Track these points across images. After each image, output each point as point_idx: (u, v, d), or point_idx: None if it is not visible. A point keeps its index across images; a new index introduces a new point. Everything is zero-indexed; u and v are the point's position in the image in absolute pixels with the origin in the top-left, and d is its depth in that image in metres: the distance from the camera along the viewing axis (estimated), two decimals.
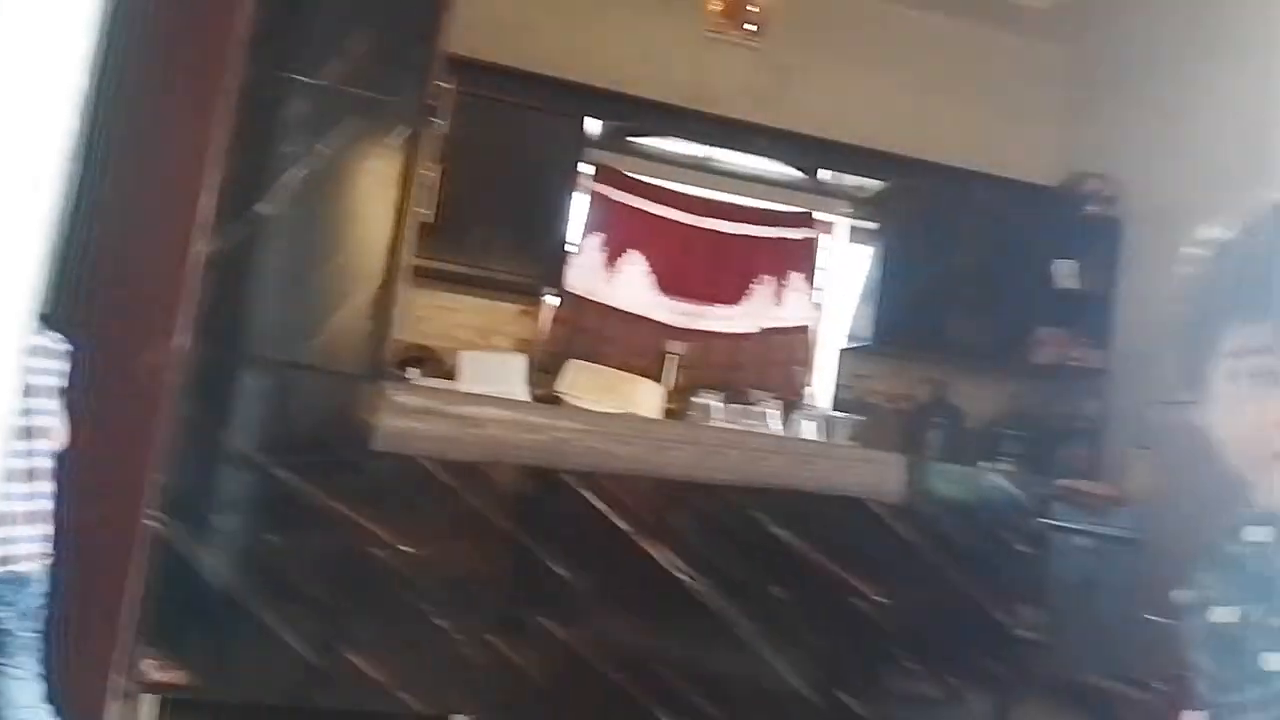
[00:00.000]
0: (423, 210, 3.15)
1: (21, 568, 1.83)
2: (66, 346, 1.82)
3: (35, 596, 1.85)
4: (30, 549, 1.85)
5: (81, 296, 2.11)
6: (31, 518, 1.86)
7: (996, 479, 2.99)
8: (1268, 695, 0.82)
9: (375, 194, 2.71)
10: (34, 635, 1.86)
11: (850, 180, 5.29)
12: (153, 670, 2.34)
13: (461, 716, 2.56)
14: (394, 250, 2.67)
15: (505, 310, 4.92)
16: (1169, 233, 4.58)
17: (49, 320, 1.92)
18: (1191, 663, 0.89)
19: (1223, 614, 0.89)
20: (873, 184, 5.19)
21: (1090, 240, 4.97)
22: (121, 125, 2.31)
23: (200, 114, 2.39)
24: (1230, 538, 0.87)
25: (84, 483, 2.05)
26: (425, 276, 4.53)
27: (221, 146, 2.40)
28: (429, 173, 3.23)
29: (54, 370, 1.84)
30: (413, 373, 3.48)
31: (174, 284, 2.33)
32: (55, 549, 2.07)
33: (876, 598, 2.77)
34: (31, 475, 1.86)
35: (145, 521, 2.21)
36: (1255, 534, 0.87)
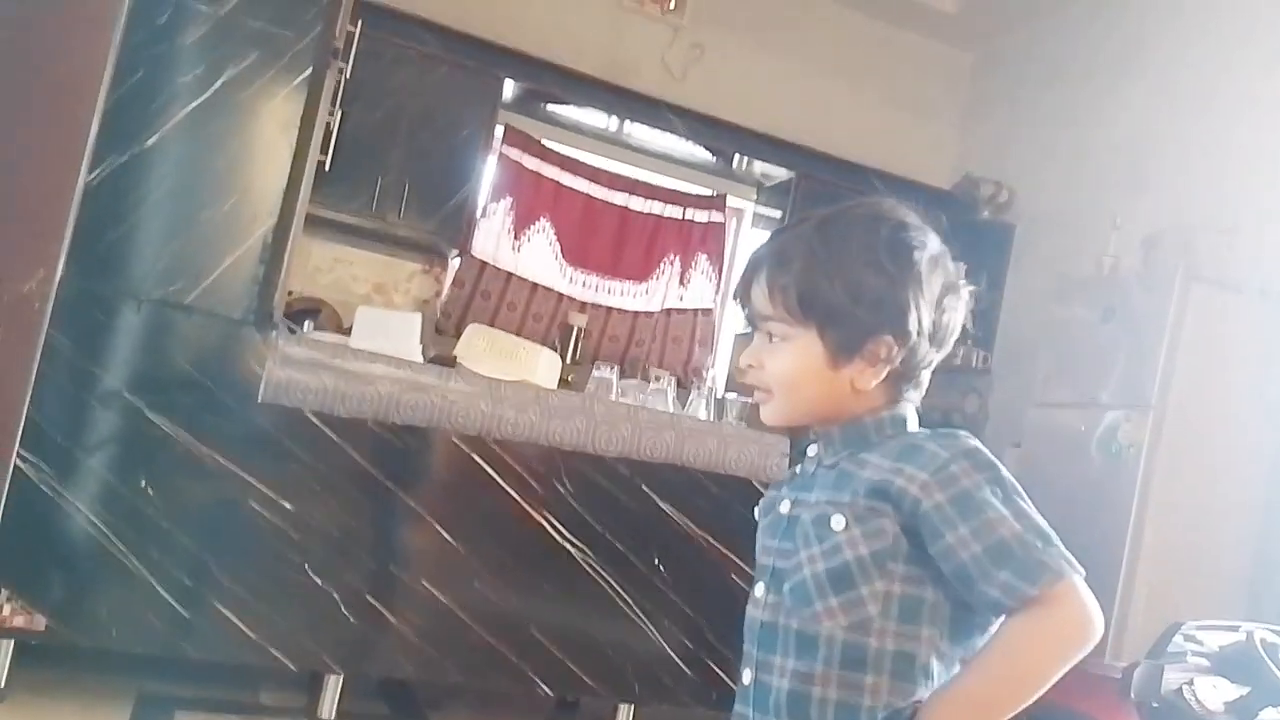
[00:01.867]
0: (322, 156, 3.05)
1: None
2: None
3: None
4: None
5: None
6: None
7: None
8: None
9: (273, 134, 2.61)
10: None
11: (759, 167, 5.36)
12: (10, 613, 2.22)
13: (335, 676, 2.52)
14: (290, 195, 2.57)
15: (405, 268, 4.83)
16: (1055, 239, 4.80)
17: None
18: None
19: None
20: (778, 172, 5.27)
21: (982, 243, 5.16)
22: (7, 44, 2.16)
23: (89, 35, 2.26)
24: None
25: None
26: (324, 227, 4.41)
27: (109, 71, 2.27)
28: (330, 117, 3.13)
29: None
30: (305, 326, 3.37)
31: (53, 212, 2.20)
32: None
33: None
34: None
35: (11, 459, 2.10)
36: None
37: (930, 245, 1.08)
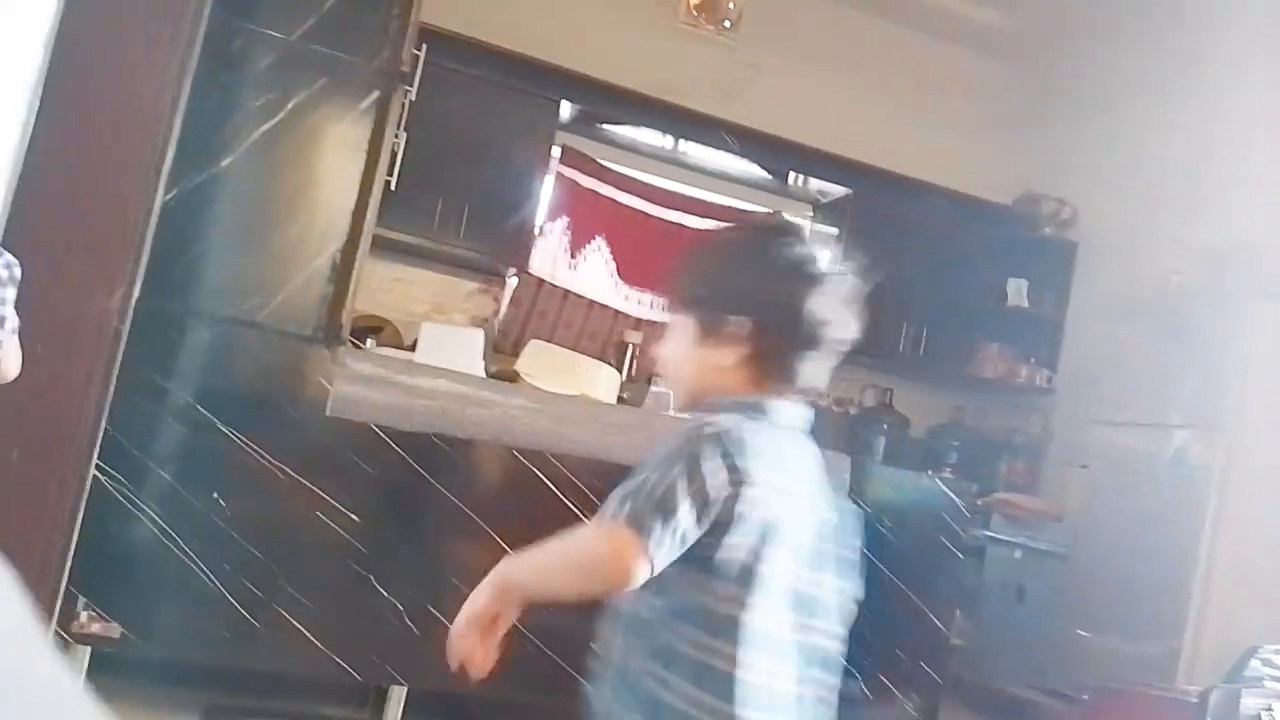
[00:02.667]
0: (388, 178, 3.12)
1: None
2: (15, 272, 1.71)
3: None
4: None
5: (38, 238, 2.05)
6: None
7: (935, 486, 3.05)
8: None
9: (341, 157, 2.68)
10: None
11: (814, 184, 5.34)
12: (87, 621, 2.29)
13: (399, 688, 2.55)
14: (358, 215, 2.63)
15: (463, 287, 4.89)
16: (1119, 257, 4.71)
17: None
18: None
19: None
20: (835, 189, 5.24)
21: (1043, 261, 5.09)
22: (88, 68, 2.26)
23: (167, 62, 2.34)
24: None
25: (29, 428, 2.00)
26: (384, 247, 4.49)
27: (185, 95, 2.35)
28: (396, 140, 3.20)
29: (2, 299, 1.72)
30: (367, 343, 3.44)
31: (131, 233, 2.28)
32: None
33: None
34: None
35: (89, 470, 2.17)
36: None
37: (798, 251, 1.23)
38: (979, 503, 4.05)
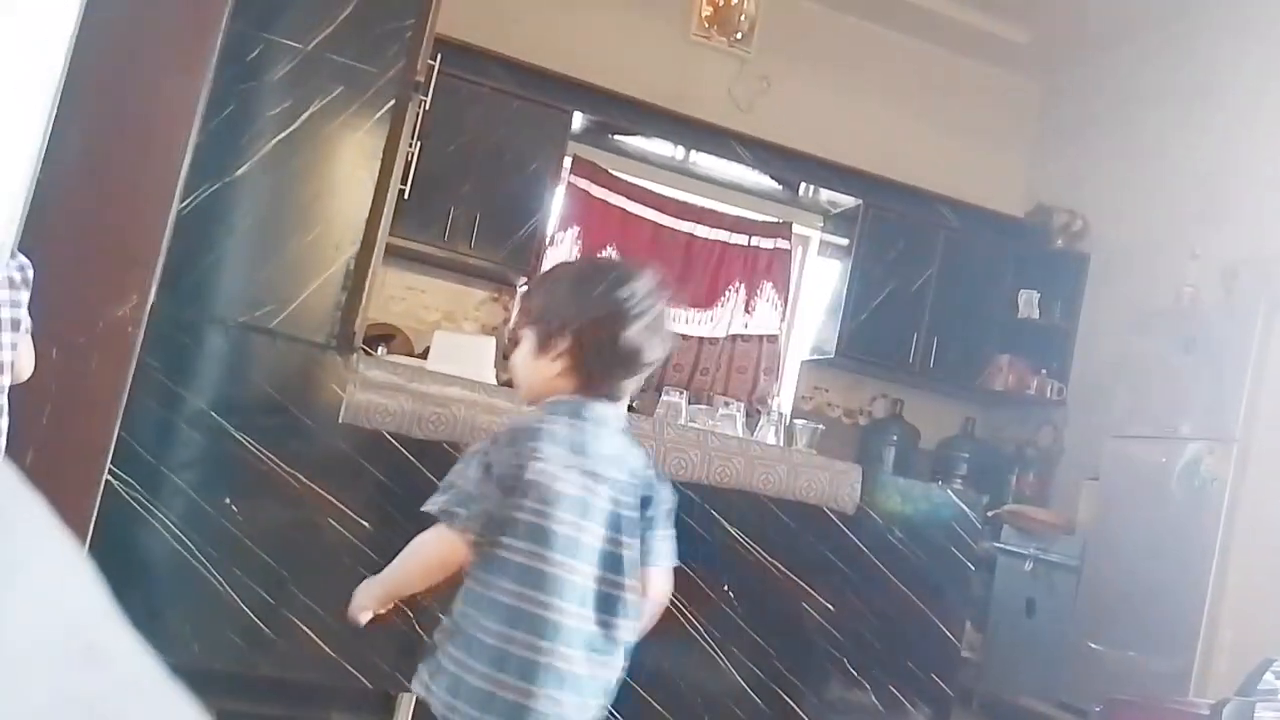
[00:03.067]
0: (402, 187, 3.14)
1: None
2: (29, 274, 1.72)
3: None
4: None
5: (54, 245, 2.07)
6: None
7: (947, 496, 3.04)
8: None
9: (356, 166, 2.69)
10: None
11: (824, 195, 5.36)
12: None
13: (408, 695, 2.55)
14: (372, 224, 2.65)
15: (474, 295, 4.91)
16: (1132, 269, 4.70)
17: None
18: None
19: None
20: (845, 200, 5.26)
21: (1055, 272, 5.08)
22: (106, 77, 2.28)
23: (184, 70, 2.36)
24: None
25: (43, 433, 2.02)
26: (397, 255, 4.51)
27: (202, 104, 2.37)
28: (410, 149, 3.22)
29: (17, 301, 1.73)
30: (379, 350, 3.45)
31: (146, 241, 2.30)
32: None
33: (825, 604, 2.80)
34: None
35: (103, 475, 2.18)
36: None
37: (620, 287, 1.42)
38: (990, 514, 4.04)
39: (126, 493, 2.36)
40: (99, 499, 2.25)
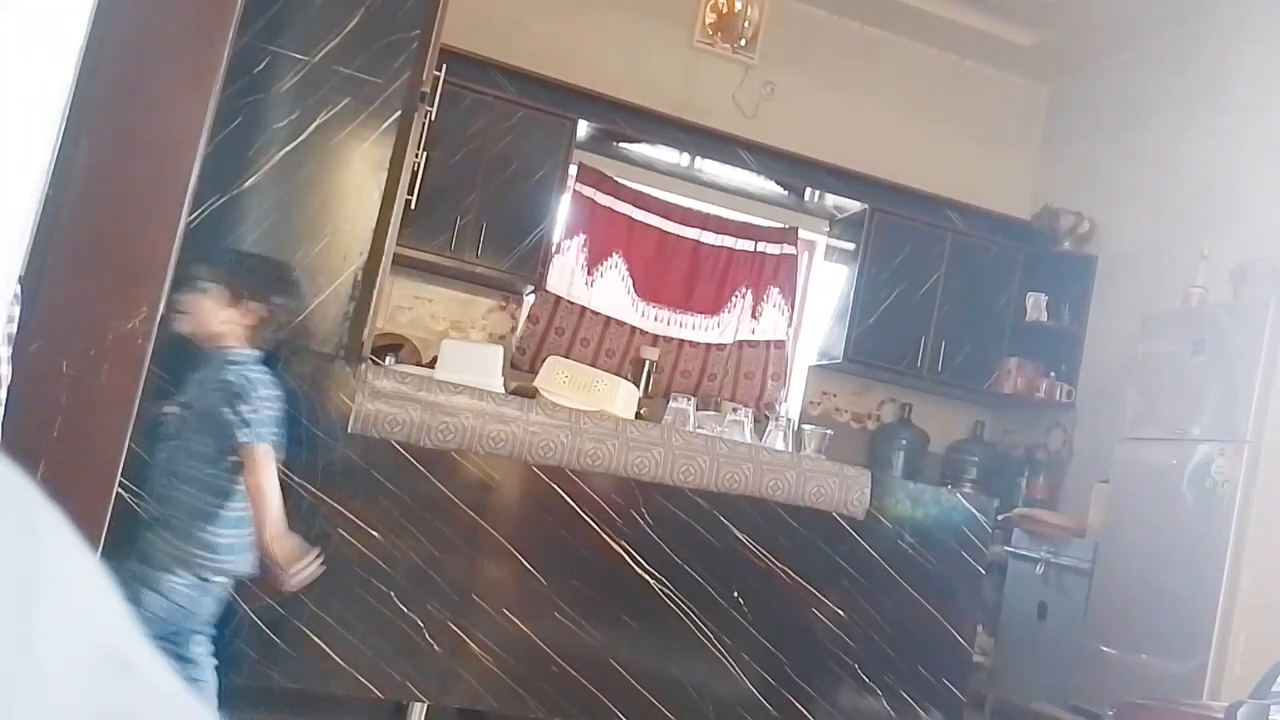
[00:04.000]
0: (408, 197, 3.15)
1: None
2: (16, 288, 1.79)
3: None
4: None
5: (62, 259, 2.08)
6: None
7: (957, 501, 3.03)
8: None
9: (363, 176, 2.70)
10: None
11: (830, 200, 5.36)
12: None
13: (420, 704, 2.55)
14: (379, 234, 2.66)
15: (481, 304, 4.92)
16: (1140, 271, 4.69)
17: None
18: None
19: None
20: (851, 205, 5.26)
21: (1063, 275, 5.07)
22: (114, 91, 2.29)
23: (192, 84, 2.38)
24: None
25: (54, 446, 2.03)
26: (404, 265, 4.53)
27: (210, 117, 2.38)
28: (416, 159, 3.22)
29: (12, 316, 1.80)
30: (387, 360, 3.46)
31: (155, 252, 2.31)
32: None
33: (835, 609, 2.80)
34: None
35: (114, 488, 2.19)
36: None
37: (290, 276, 2.22)
38: (1000, 518, 4.03)
39: (138, 505, 2.37)
40: (110, 511, 2.26)
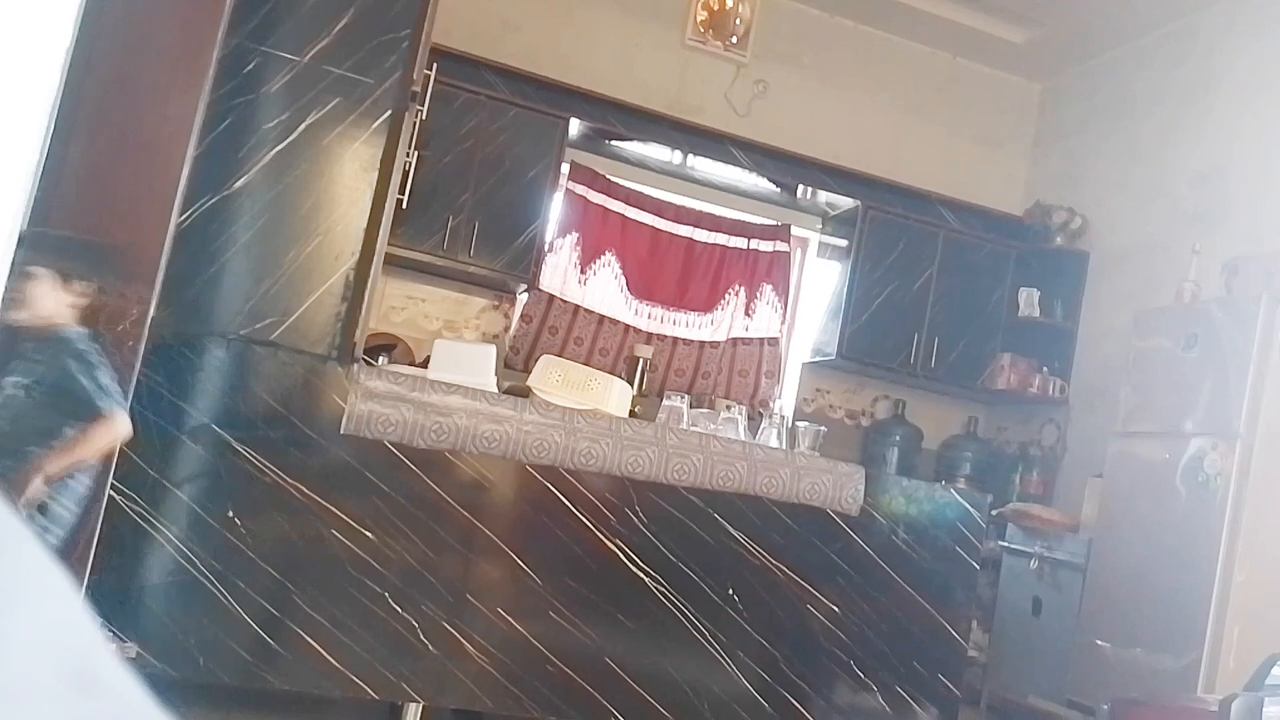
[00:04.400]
0: (400, 197, 3.14)
1: None
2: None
3: None
4: None
5: (54, 261, 2.07)
6: None
7: (952, 497, 3.03)
8: None
9: (354, 176, 2.70)
10: None
11: (823, 197, 5.36)
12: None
13: (415, 704, 2.55)
14: (371, 234, 2.65)
15: (474, 304, 4.92)
16: (1132, 267, 4.70)
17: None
18: None
19: None
20: (844, 202, 5.26)
21: (1055, 271, 5.08)
22: (103, 92, 2.28)
23: (181, 84, 2.37)
24: None
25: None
26: (397, 265, 4.52)
27: (199, 117, 2.37)
28: (407, 159, 3.22)
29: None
30: (380, 360, 3.45)
31: (146, 255, 2.30)
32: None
33: (830, 606, 2.80)
34: None
35: (105, 490, 2.18)
36: None
37: (102, 253, 2.24)
38: (994, 514, 4.03)
39: (129, 507, 2.36)
40: (102, 515, 2.25)
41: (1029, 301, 5.05)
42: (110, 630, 2.33)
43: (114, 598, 2.34)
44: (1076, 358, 4.96)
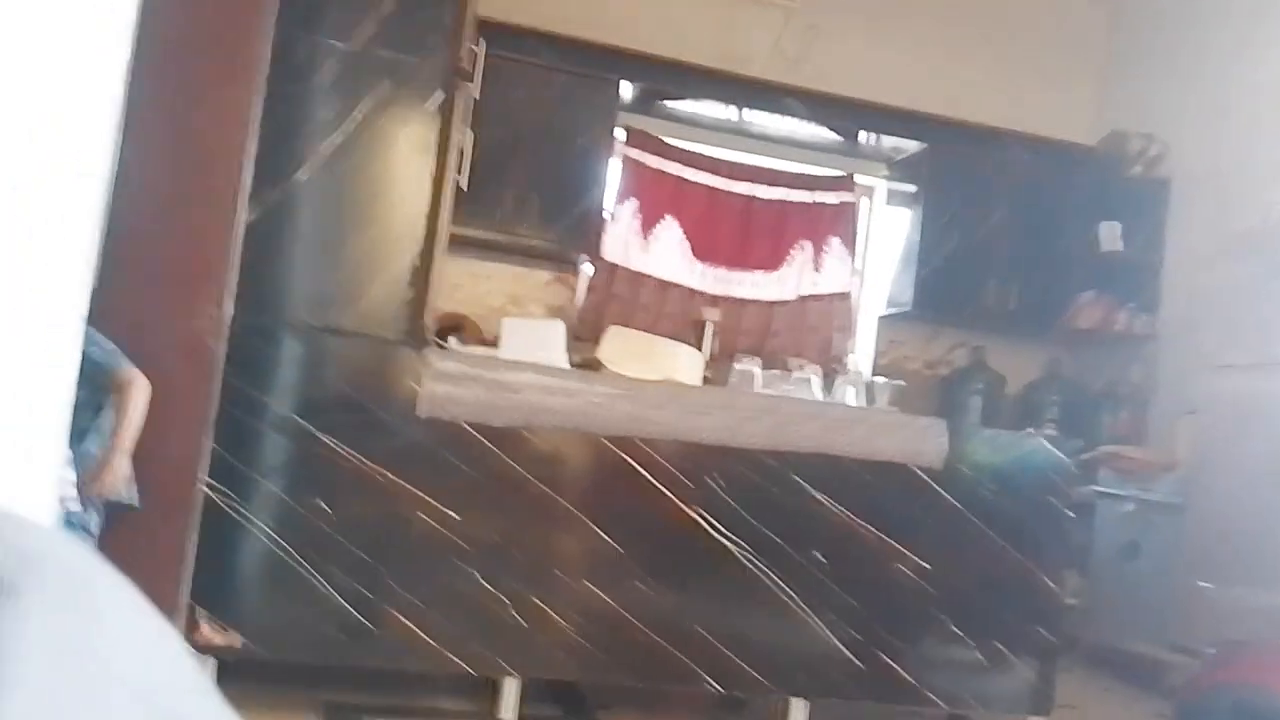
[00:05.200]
0: (458, 176, 3.14)
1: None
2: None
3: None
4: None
5: (131, 268, 2.12)
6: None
7: (1039, 444, 2.95)
8: None
9: (412, 160, 2.70)
10: None
11: (887, 142, 5.21)
12: (209, 633, 2.37)
13: (511, 679, 2.58)
14: (433, 217, 2.65)
15: (538, 278, 4.92)
16: (1216, 192, 4.48)
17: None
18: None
19: None
20: (909, 145, 5.11)
21: (1135, 202, 4.88)
22: (162, 98, 2.31)
23: (236, 83, 2.38)
24: None
25: (139, 450, 2.08)
26: (458, 244, 4.53)
27: (257, 114, 2.39)
28: (463, 138, 3.21)
29: None
30: (450, 340, 3.48)
31: (218, 252, 2.34)
32: (108, 515, 2.10)
33: (919, 562, 2.75)
34: None
35: (198, 487, 2.24)
36: None
37: None
38: (1085, 458, 3.91)
39: (224, 503, 2.43)
40: (199, 512, 2.31)
41: (1111, 235, 4.86)
42: (215, 621, 2.41)
43: (216, 588, 2.41)
44: (1162, 291, 4.77)
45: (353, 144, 2.60)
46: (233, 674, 2.49)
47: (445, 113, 2.67)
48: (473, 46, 3.12)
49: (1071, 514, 2.93)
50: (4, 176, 0.85)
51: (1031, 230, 4.93)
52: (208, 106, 2.38)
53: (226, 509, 2.42)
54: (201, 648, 2.37)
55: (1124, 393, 4.82)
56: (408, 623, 2.47)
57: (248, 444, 2.45)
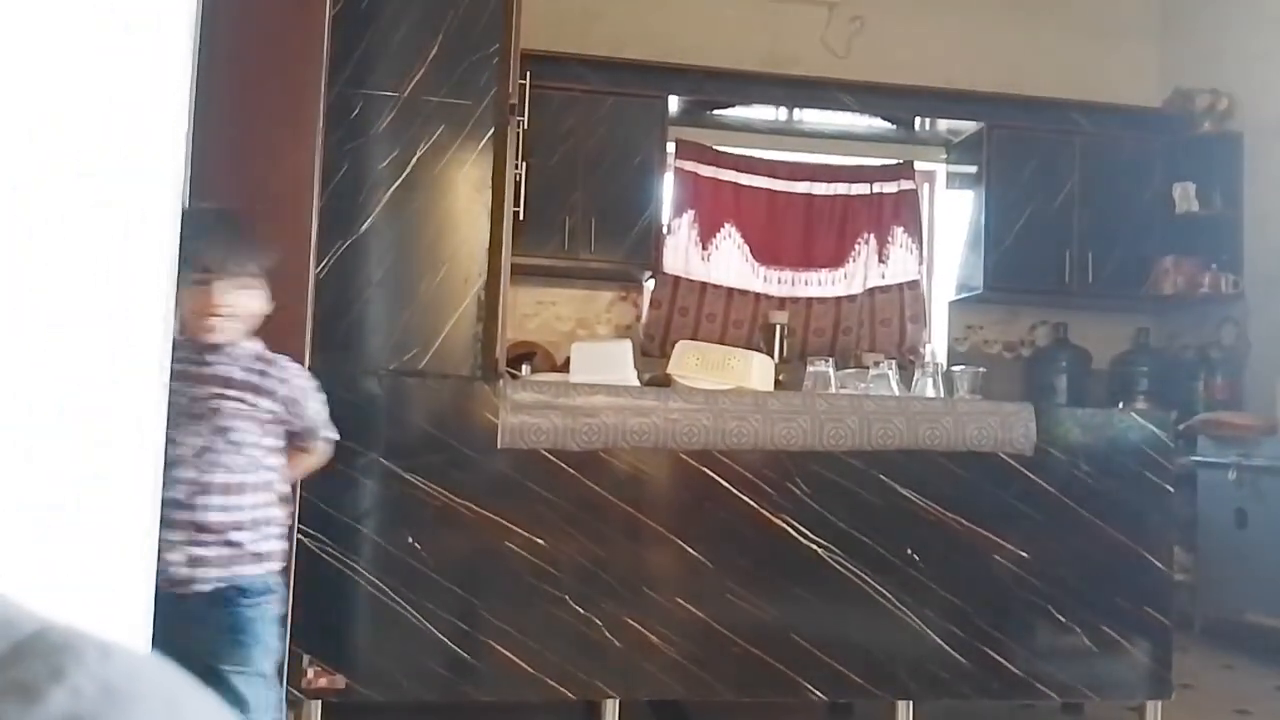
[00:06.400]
0: (515, 208, 3.19)
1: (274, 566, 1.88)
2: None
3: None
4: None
5: None
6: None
7: (1131, 419, 2.85)
8: None
9: (469, 198, 2.75)
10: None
11: (943, 125, 5.13)
12: (315, 677, 2.43)
13: (612, 700, 2.59)
14: (494, 251, 2.70)
15: (602, 298, 4.96)
16: None
17: None
18: None
19: None
20: (966, 126, 5.01)
21: (1208, 159, 4.71)
22: (227, 156, 2.40)
23: (296, 139, 2.46)
24: None
25: None
26: (522, 273, 4.60)
27: (318, 172, 2.47)
28: (516, 170, 3.26)
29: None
30: (524, 370, 3.53)
31: (298, 308, 2.42)
32: None
33: (1017, 551, 2.69)
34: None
35: (294, 535, 2.30)
36: None
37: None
38: (1181, 428, 3.78)
39: (319, 549, 2.49)
40: (294, 559, 2.38)
41: (1185, 196, 4.69)
42: (318, 664, 2.47)
43: (317, 633, 2.48)
44: (1246, 248, 4.58)
45: (411, 189, 2.66)
46: (341, 715, 2.56)
47: (497, 148, 2.71)
48: (520, 81, 3.17)
49: (1171, 488, 2.83)
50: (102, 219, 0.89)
51: (1103, 199, 4.79)
52: (273, 169, 2.46)
53: (322, 555, 2.49)
54: (308, 692, 2.44)
55: (1216, 357, 4.64)
56: (506, 653, 2.50)
57: (337, 490, 2.52)
